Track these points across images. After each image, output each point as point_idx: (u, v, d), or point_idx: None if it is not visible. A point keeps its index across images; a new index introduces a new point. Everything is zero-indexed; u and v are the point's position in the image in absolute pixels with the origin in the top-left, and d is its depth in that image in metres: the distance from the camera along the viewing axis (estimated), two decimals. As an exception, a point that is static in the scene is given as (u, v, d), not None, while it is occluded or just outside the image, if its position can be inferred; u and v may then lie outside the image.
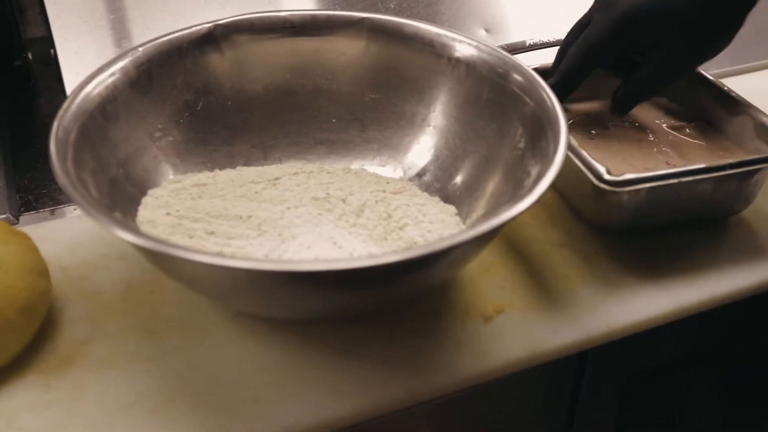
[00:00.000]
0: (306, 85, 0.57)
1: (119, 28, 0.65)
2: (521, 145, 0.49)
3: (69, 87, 0.62)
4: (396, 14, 0.71)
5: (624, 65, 0.55)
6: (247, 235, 0.48)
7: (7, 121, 0.66)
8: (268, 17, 0.56)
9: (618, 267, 0.51)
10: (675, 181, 0.48)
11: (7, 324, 0.41)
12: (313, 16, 0.56)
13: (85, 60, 0.61)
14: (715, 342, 0.61)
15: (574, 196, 0.54)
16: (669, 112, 0.60)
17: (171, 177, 0.52)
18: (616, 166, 0.51)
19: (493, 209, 0.47)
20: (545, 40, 0.64)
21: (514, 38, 0.66)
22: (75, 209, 0.56)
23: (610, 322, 0.47)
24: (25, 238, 0.46)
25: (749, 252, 0.52)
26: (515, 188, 0.46)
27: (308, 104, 0.57)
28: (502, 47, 0.64)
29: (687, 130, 0.57)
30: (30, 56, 0.72)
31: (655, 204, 0.50)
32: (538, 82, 0.49)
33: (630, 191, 0.48)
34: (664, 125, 0.57)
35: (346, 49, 0.57)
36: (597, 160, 0.49)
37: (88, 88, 0.48)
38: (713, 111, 0.57)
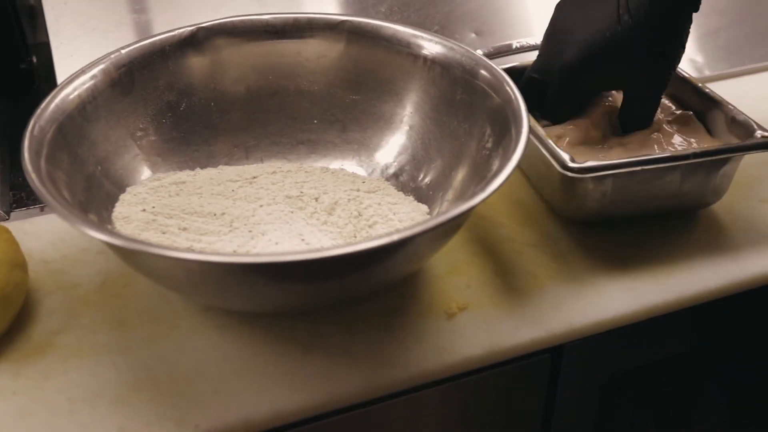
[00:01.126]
0: (288, 86, 0.58)
1: (115, 31, 0.67)
2: (489, 145, 0.50)
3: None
4: (386, 18, 0.72)
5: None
6: (218, 232, 0.49)
7: (9, 121, 0.69)
8: (250, 20, 0.57)
9: (588, 267, 0.51)
10: (638, 168, 0.48)
11: (-19, 313, 0.43)
12: (295, 19, 0.57)
13: (80, 62, 0.63)
14: (709, 339, 0.60)
15: (545, 187, 0.55)
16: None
17: (152, 175, 0.54)
18: None
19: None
20: (532, 43, 0.64)
21: (503, 41, 0.67)
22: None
23: (572, 321, 0.47)
24: (5, 232, 0.48)
25: (720, 250, 0.52)
26: (476, 185, 0.47)
27: (290, 105, 0.58)
28: (490, 50, 0.65)
29: (675, 125, 0.57)
30: (35, 60, 0.75)
31: (622, 193, 0.50)
32: (506, 80, 0.50)
33: (595, 179, 0.49)
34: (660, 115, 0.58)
35: (327, 52, 0.58)
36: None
37: (68, 89, 0.50)
38: (692, 107, 0.57)
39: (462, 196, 0.49)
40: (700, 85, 0.57)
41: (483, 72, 0.52)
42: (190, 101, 0.56)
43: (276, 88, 0.58)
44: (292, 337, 0.46)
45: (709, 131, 0.55)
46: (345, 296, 0.46)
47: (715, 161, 0.50)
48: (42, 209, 0.58)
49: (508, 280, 0.50)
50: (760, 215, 0.55)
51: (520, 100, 0.48)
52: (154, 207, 0.50)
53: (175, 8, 0.70)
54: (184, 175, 0.54)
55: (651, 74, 0.53)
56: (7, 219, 0.57)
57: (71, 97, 0.49)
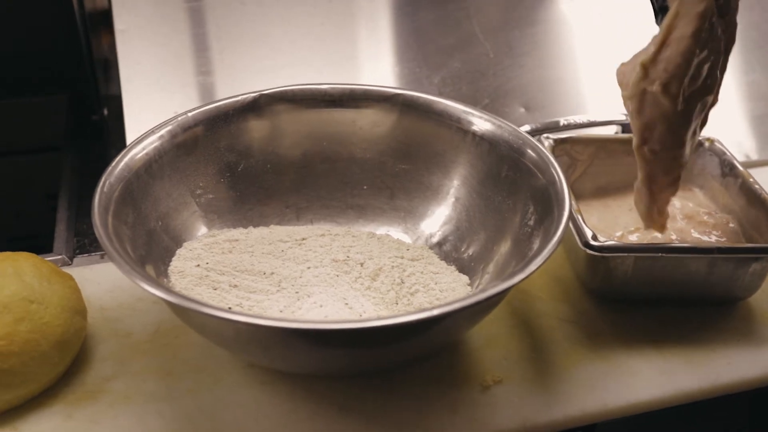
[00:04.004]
0: (341, 152, 0.61)
1: (180, 92, 0.71)
2: (531, 222, 0.51)
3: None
4: (439, 89, 0.75)
5: None
6: (267, 291, 0.51)
7: (78, 169, 0.73)
8: (309, 89, 0.60)
9: (623, 347, 0.51)
10: (657, 255, 0.50)
11: (41, 356, 0.46)
12: (352, 90, 0.60)
13: (147, 118, 0.67)
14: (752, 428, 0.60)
15: (575, 262, 0.57)
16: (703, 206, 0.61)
17: (207, 231, 0.56)
18: None
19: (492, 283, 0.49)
20: (578, 120, 0.66)
21: (551, 116, 0.69)
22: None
23: (606, 401, 0.48)
24: (70, 279, 0.51)
25: (760, 339, 0.52)
26: (517, 263, 0.48)
27: (342, 171, 0.61)
28: (537, 126, 0.67)
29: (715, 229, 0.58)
30: (106, 112, 0.80)
31: (645, 275, 0.52)
32: (551, 162, 0.52)
33: (615, 258, 0.50)
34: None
35: (381, 122, 0.60)
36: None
37: (137, 149, 0.53)
38: (737, 201, 0.58)
39: (503, 270, 0.51)
40: (750, 180, 0.57)
41: (530, 152, 0.54)
42: (248, 162, 0.59)
43: (330, 154, 0.61)
44: (328, 399, 0.47)
45: (749, 228, 0.56)
46: (382, 364, 0.47)
47: (743, 258, 0.51)
48: (102, 256, 0.61)
49: (543, 356, 0.51)
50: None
51: (563, 182, 0.50)
52: (207, 263, 0.53)
53: (237, 71, 0.74)
54: (238, 232, 0.57)
55: None
56: (70, 264, 0.60)
57: (139, 155, 0.53)
